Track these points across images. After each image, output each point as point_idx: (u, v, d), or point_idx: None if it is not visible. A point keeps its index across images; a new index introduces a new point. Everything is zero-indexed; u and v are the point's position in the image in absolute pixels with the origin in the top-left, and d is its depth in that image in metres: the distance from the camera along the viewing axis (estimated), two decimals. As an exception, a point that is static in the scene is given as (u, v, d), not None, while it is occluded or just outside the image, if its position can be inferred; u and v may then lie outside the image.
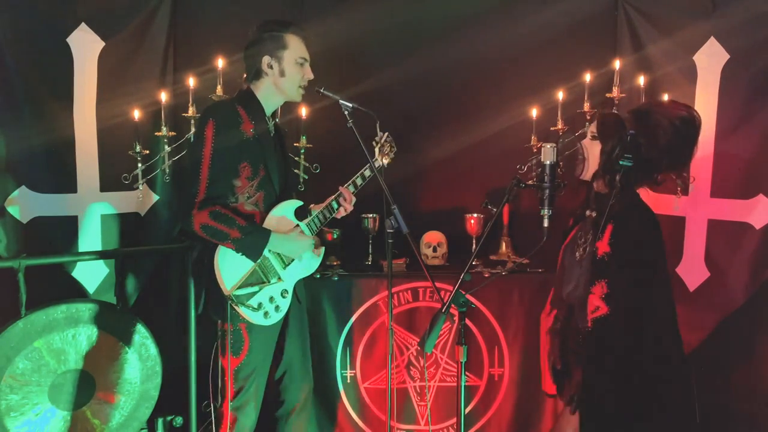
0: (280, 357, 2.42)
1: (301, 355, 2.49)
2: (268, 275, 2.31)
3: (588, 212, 2.27)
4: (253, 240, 2.21)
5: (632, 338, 2.07)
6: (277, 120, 2.49)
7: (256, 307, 2.25)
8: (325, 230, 3.12)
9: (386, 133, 2.56)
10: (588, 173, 2.22)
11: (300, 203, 2.41)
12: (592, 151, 2.20)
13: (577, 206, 2.37)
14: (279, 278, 2.33)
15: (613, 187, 2.13)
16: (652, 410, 2.08)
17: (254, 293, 2.26)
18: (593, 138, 2.20)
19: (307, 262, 2.45)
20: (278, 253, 2.34)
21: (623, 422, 2.09)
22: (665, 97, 3.04)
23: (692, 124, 2.12)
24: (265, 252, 2.28)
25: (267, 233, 2.25)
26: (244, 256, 2.23)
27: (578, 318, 2.20)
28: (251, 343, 2.29)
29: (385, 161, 2.57)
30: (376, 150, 2.51)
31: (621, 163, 2.08)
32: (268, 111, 2.39)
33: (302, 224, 2.40)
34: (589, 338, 2.13)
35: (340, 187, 2.43)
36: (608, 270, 2.10)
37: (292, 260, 2.38)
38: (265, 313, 2.28)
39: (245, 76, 2.39)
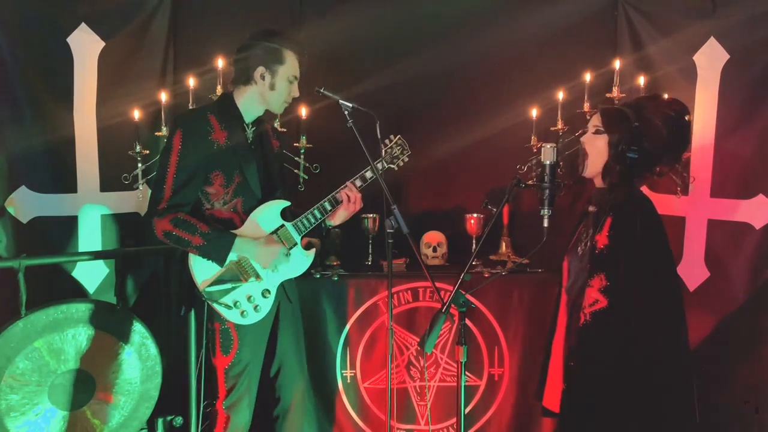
0: (273, 355, 2.42)
1: (295, 353, 2.48)
2: (245, 273, 2.28)
3: (590, 208, 2.26)
4: (215, 246, 2.20)
5: (631, 332, 2.06)
6: (258, 124, 2.41)
7: (230, 305, 2.23)
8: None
9: (398, 137, 2.51)
10: (591, 168, 2.20)
11: (286, 203, 2.36)
12: (596, 145, 2.18)
13: (582, 205, 2.35)
14: (257, 277, 2.30)
15: (614, 180, 2.13)
16: (649, 407, 2.07)
17: (228, 290, 2.24)
18: (597, 132, 2.18)
19: (294, 263, 2.38)
20: (256, 261, 2.31)
21: (618, 419, 2.08)
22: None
23: (683, 115, 2.15)
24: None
25: (230, 239, 2.22)
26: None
27: (574, 312, 2.20)
28: (240, 342, 2.28)
29: (396, 164, 2.52)
30: (383, 151, 2.45)
31: (628, 155, 2.08)
32: (248, 118, 2.35)
33: (289, 225, 2.35)
34: (586, 331, 2.12)
35: (348, 182, 2.39)
36: (607, 262, 2.10)
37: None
38: (242, 312, 2.26)
39: (232, 78, 2.37)
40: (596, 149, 2.18)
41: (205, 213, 2.26)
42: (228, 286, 2.24)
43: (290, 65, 2.30)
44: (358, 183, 2.41)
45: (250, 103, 2.33)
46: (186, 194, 2.21)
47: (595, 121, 2.20)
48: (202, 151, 2.21)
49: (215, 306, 2.22)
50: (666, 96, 2.28)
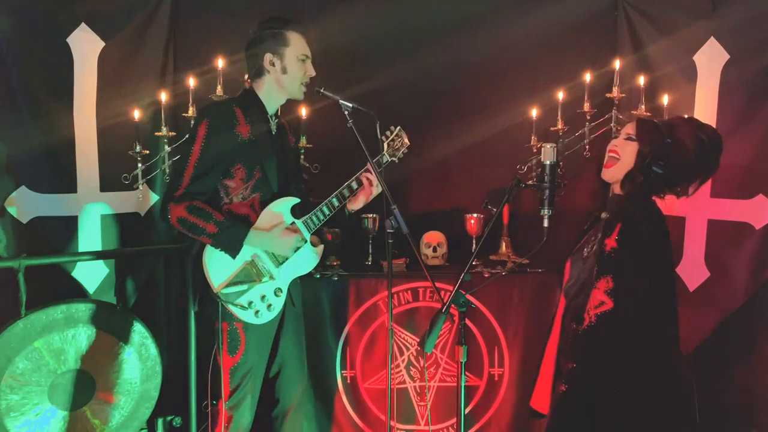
0: (274, 357, 2.42)
1: (296, 355, 2.49)
2: (259, 273, 2.29)
3: (603, 215, 2.27)
4: (229, 235, 2.20)
5: (637, 335, 2.07)
6: (279, 117, 2.47)
7: (245, 305, 2.24)
8: (324, 230, 3.12)
9: (398, 128, 2.51)
10: (616, 173, 2.22)
11: (296, 200, 2.38)
12: (625, 151, 2.19)
13: (594, 210, 2.36)
14: (271, 276, 2.31)
15: (633, 190, 2.15)
16: (651, 409, 2.08)
17: (243, 291, 2.24)
18: (628, 139, 2.20)
19: (304, 260, 2.41)
20: (271, 251, 2.33)
21: (621, 420, 2.08)
22: (665, 99, 3.04)
23: (715, 141, 2.18)
24: (257, 250, 2.27)
25: (245, 229, 2.23)
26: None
27: (571, 313, 2.20)
28: (247, 343, 2.29)
29: (397, 156, 2.51)
30: (384, 145, 2.47)
31: (654, 168, 2.11)
32: (271, 110, 2.38)
33: (299, 222, 2.37)
34: (591, 333, 2.12)
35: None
36: (614, 265, 2.10)
37: (286, 258, 2.35)
38: (256, 312, 2.27)
39: (247, 75, 2.39)
40: (627, 155, 2.19)
41: (223, 208, 2.27)
42: (243, 287, 2.25)
43: (296, 45, 2.33)
44: (355, 186, 2.43)
45: (270, 93, 2.36)
46: (204, 184, 2.23)
47: (629, 129, 2.23)
48: (226, 142, 2.23)
49: (230, 307, 2.23)
50: (700, 120, 2.28)
